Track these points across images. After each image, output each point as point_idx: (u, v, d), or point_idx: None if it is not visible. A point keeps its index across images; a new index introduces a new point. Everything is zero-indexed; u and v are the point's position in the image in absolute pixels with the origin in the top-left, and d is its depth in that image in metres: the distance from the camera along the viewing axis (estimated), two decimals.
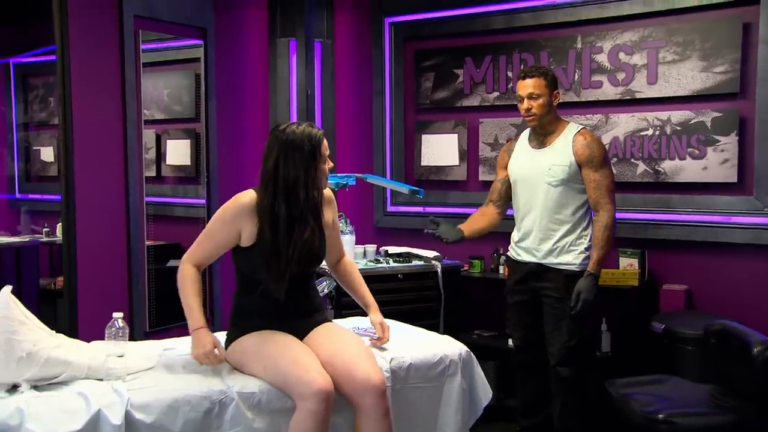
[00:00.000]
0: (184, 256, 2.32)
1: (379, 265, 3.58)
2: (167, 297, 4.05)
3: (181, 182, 4.53)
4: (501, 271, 3.88)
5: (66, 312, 3.49)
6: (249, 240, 2.27)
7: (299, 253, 2.25)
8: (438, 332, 3.53)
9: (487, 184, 4.09)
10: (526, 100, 3.07)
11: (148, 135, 4.20)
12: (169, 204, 4.49)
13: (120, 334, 2.14)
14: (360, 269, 3.35)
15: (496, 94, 4.14)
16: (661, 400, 2.57)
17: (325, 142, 2.31)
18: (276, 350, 2.20)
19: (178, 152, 4.47)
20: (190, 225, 4.32)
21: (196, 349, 2.17)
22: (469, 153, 4.26)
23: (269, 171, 2.25)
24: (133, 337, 3.72)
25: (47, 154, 5.03)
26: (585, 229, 3.10)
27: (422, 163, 4.40)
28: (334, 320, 2.84)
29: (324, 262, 2.51)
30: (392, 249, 3.76)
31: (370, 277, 3.34)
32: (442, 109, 4.33)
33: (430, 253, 3.74)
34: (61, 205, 3.49)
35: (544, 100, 3.06)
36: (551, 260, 3.11)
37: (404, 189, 3.48)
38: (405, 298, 3.53)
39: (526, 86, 3.07)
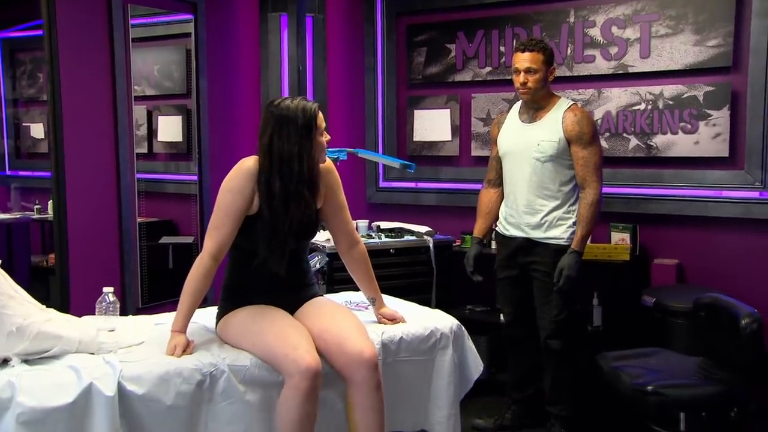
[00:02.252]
0: (203, 249, 2.22)
1: (371, 240, 3.58)
2: (160, 273, 4.06)
3: (173, 158, 4.51)
4: (494, 246, 3.87)
5: (58, 289, 3.49)
6: (254, 208, 2.24)
7: (296, 227, 2.24)
8: (430, 307, 3.56)
9: (480, 160, 4.11)
10: (522, 73, 3.05)
11: (139, 111, 4.17)
12: (161, 181, 4.47)
13: (110, 309, 2.14)
14: None
15: (488, 68, 4.12)
16: (650, 373, 2.59)
17: (321, 114, 2.29)
18: (265, 326, 2.20)
19: (170, 128, 4.44)
20: (183, 202, 4.31)
21: (168, 350, 2.13)
22: (461, 128, 4.24)
23: (264, 146, 2.22)
24: (125, 313, 3.73)
25: (37, 130, 4.98)
26: (573, 204, 3.11)
27: (414, 139, 4.38)
28: (326, 295, 2.85)
29: (336, 248, 2.52)
30: (384, 224, 3.76)
31: None
32: (435, 84, 4.31)
33: (422, 228, 3.74)
34: (52, 183, 3.47)
35: (540, 75, 3.05)
36: (539, 235, 3.11)
37: (395, 163, 3.47)
38: (397, 273, 3.54)
39: (524, 60, 3.05)
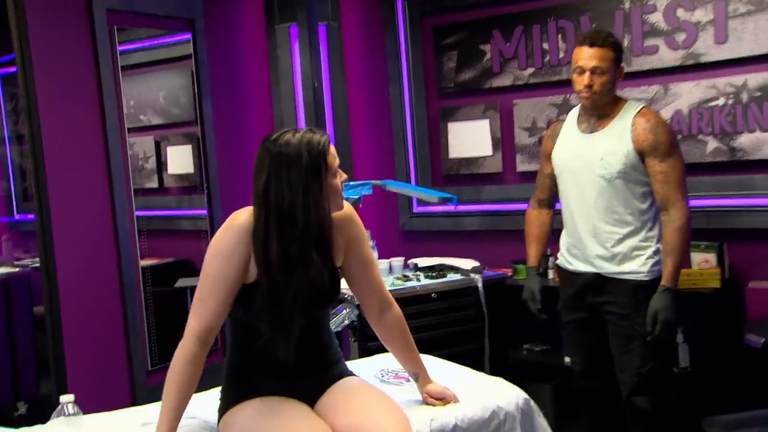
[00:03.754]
0: (186, 330, 1.74)
1: (409, 284, 3.03)
2: (177, 321, 3.61)
3: (186, 192, 4.08)
4: (550, 276, 3.33)
5: (51, 352, 3.03)
6: (252, 275, 1.75)
7: (303, 300, 1.73)
8: (483, 358, 3.02)
9: (527, 176, 3.59)
10: (587, 73, 2.49)
11: (147, 142, 3.81)
12: (174, 217, 4.06)
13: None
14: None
15: (530, 70, 3.57)
16: None
17: (332, 149, 1.78)
18: (276, 427, 1.69)
19: (180, 159, 4.03)
20: (199, 239, 3.87)
21: None
22: (503, 141, 3.70)
23: (259, 194, 1.72)
24: (133, 379, 3.29)
25: None
26: (651, 229, 2.54)
27: (450, 156, 3.85)
28: (357, 360, 2.34)
29: (364, 314, 2.00)
30: (422, 261, 3.22)
31: (399, 300, 2.82)
32: (469, 92, 3.77)
33: (468, 263, 3.19)
34: (37, 232, 3.03)
35: (609, 77, 2.48)
36: (612, 269, 2.55)
37: (433, 197, 2.91)
38: (442, 320, 2.99)
39: (591, 56, 2.48)
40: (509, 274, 3.44)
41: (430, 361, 2.17)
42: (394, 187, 2.86)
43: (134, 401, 3.18)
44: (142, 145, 3.69)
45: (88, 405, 1.81)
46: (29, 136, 2.97)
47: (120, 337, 3.27)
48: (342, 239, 1.84)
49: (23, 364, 3.66)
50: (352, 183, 2.77)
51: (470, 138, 3.77)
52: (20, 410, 3.48)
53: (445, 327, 2.97)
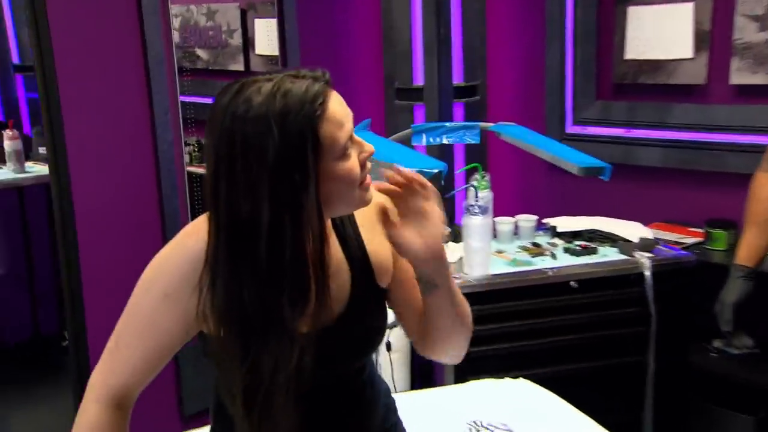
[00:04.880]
0: (90, 385, 1.07)
1: (537, 262, 1.94)
2: None
3: None
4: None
5: (66, 288, 2.34)
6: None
7: (292, 379, 0.94)
8: (646, 377, 2.00)
9: (746, 92, 2.45)
10: None
11: (231, 11, 3.12)
12: None
13: None
14: (498, 274, 1.90)
15: None
16: None
17: (334, 107, 0.91)
18: None
19: (269, 37, 3.23)
20: None
21: None
22: (713, 36, 2.52)
23: (208, 199, 0.94)
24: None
25: None
26: None
27: (627, 57, 2.72)
28: (447, 386, 1.53)
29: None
30: (564, 223, 2.14)
31: (520, 289, 1.81)
32: None
33: (632, 230, 2.09)
34: (45, 128, 2.25)
35: None
36: None
37: (571, 165, 1.75)
38: (583, 320, 1.93)
39: None
40: (701, 239, 2.35)
41: (539, 401, 1.46)
42: (512, 137, 1.77)
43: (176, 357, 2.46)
44: (225, 15, 3.06)
45: None
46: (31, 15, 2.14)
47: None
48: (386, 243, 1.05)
49: None
50: (449, 124, 1.75)
51: (661, 30, 2.63)
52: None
53: (589, 330, 1.93)
